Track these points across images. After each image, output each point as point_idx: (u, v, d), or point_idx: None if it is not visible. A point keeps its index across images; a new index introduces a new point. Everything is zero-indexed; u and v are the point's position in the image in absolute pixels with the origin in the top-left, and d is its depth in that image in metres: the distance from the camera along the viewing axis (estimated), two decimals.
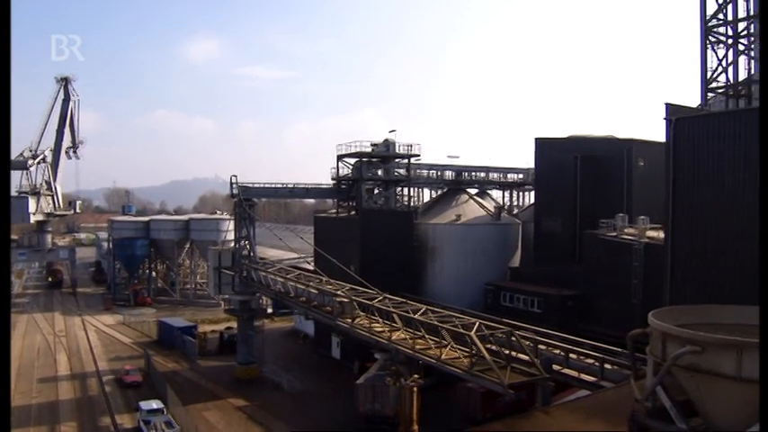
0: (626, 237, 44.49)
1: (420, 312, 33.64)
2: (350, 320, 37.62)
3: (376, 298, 37.53)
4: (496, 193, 74.72)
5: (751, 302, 22.86)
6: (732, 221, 26.41)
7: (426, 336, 31.99)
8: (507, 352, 30.05)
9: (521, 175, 71.30)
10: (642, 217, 44.35)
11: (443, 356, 30.14)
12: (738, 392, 17.46)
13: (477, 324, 30.14)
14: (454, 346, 30.44)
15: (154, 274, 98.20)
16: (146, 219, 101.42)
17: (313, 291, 43.31)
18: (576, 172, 52.91)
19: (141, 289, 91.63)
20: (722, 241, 26.55)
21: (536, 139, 57.20)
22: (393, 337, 33.66)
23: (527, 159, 78.84)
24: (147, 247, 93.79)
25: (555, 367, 30.45)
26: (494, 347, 29.93)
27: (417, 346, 31.94)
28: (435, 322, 31.87)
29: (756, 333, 21.00)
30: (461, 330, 30.14)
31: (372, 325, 36.14)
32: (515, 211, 72.92)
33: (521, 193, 76.29)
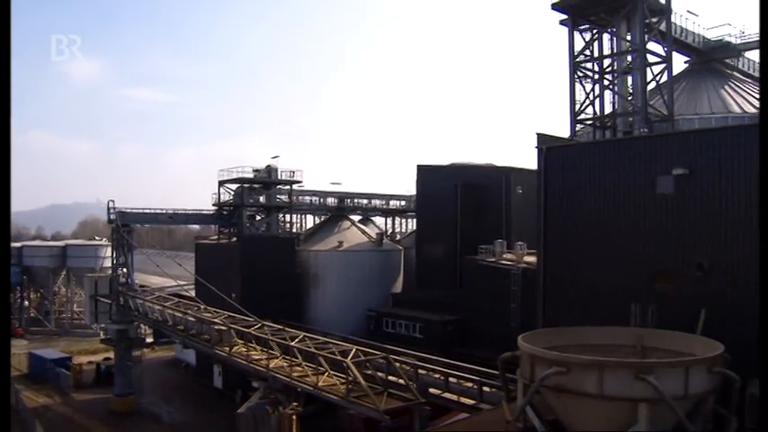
0: (504, 262, 45.53)
1: (298, 339, 33.31)
2: (227, 349, 36.82)
3: (254, 325, 36.90)
4: (379, 220, 75.29)
5: (615, 323, 23.84)
6: (596, 247, 27.43)
7: (304, 363, 31.68)
8: (384, 377, 30.05)
9: (403, 202, 72.14)
10: (520, 242, 45.50)
11: (320, 383, 29.89)
12: (601, 409, 18.04)
13: (354, 350, 30.13)
14: (332, 372, 30.27)
15: (26, 303, 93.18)
16: (17, 245, 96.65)
17: (191, 319, 42.18)
18: (457, 199, 53.88)
19: (11, 319, 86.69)
20: (589, 266, 27.48)
21: (418, 166, 58.08)
22: (271, 365, 33.08)
23: (409, 186, 79.82)
24: (19, 275, 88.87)
25: (435, 391, 30.63)
26: (371, 373, 29.87)
27: (295, 374, 31.55)
28: (313, 349, 31.63)
29: (620, 352, 21.87)
30: (338, 357, 30.00)
31: (250, 353, 35.41)
32: (398, 237, 73.59)
33: (403, 220, 77.17)
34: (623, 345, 22.29)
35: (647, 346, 21.99)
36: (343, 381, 29.40)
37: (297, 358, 32.21)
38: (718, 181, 24.53)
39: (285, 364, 32.67)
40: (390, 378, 30.52)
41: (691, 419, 18.39)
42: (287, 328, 36.37)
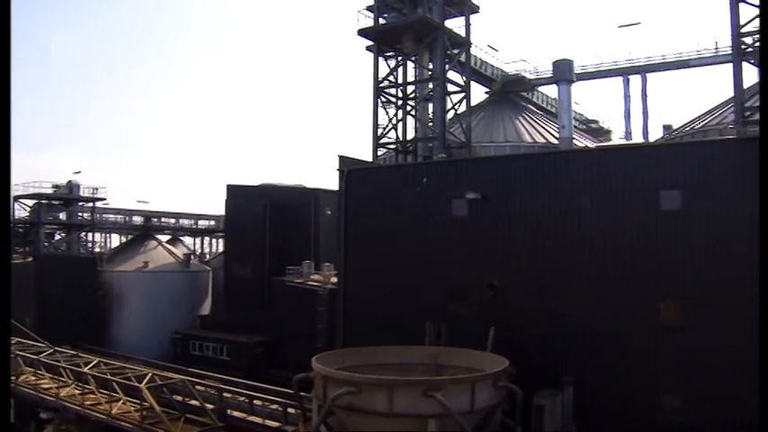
0: (312, 283, 45.73)
1: (92, 365, 31.61)
2: (14, 378, 34.34)
3: (45, 351, 34.69)
4: (189, 240, 73.52)
5: (413, 342, 24.63)
6: (395, 267, 28.29)
7: (98, 390, 30.13)
8: (183, 402, 29.22)
9: (212, 222, 70.88)
10: (327, 264, 45.89)
11: (114, 411, 28.51)
12: (392, 427, 18.52)
13: (150, 375, 29.05)
14: (127, 399, 29.02)
15: None
16: None
17: None
18: (266, 219, 53.54)
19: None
20: (388, 286, 28.26)
21: (227, 185, 57.20)
22: (61, 394, 31.16)
23: (218, 206, 78.78)
24: None
25: (240, 414, 30.13)
26: (169, 398, 28.95)
27: (87, 402, 29.88)
28: (107, 375, 30.16)
29: (416, 370, 22.56)
30: (133, 383, 28.82)
31: (39, 382, 33.20)
32: (207, 257, 72.16)
33: (213, 240, 75.84)
34: (419, 363, 23.08)
35: (440, 364, 22.89)
36: (138, 407, 28.27)
37: (90, 385, 30.56)
38: (508, 205, 26.08)
39: (77, 392, 30.87)
40: (194, 402, 29.73)
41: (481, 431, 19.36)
42: (81, 354, 34.47)
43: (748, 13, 26.59)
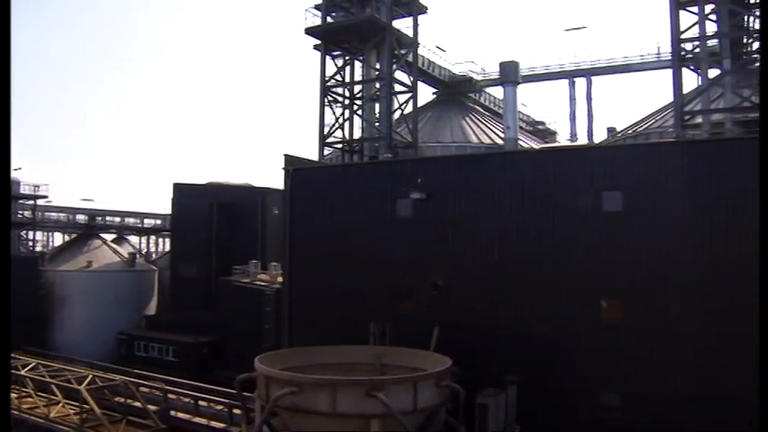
0: (259, 283, 45.45)
1: (30, 368, 30.88)
2: None
3: None
4: (135, 239, 72.44)
5: (358, 342, 24.63)
6: (340, 267, 28.26)
7: (36, 393, 29.44)
8: (123, 402, 28.75)
9: (159, 221, 69.92)
10: (274, 263, 45.64)
11: (53, 415, 27.89)
12: (334, 427, 18.49)
13: (90, 377, 28.49)
14: (67, 402, 28.41)
15: None
16: None
17: None
18: (213, 218, 53.00)
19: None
20: (333, 286, 28.22)
21: (174, 184, 56.44)
22: None
23: (166, 205, 77.81)
24: None
25: (184, 415, 29.78)
26: (110, 400, 28.45)
27: (24, 406, 29.20)
28: (46, 378, 29.50)
29: (360, 370, 22.55)
30: (73, 385, 28.24)
31: None
32: (153, 257, 71.18)
33: (159, 239, 74.85)
34: (363, 363, 23.07)
35: (385, 364, 22.90)
36: (78, 410, 27.70)
37: (27, 388, 29.84)
38: (452, 205, 26.23)
39: (14, 395, 30.09)
40: (137, 404, 29.26)
41: (425, 431, 19.41)
42: (19, 356, 33.62)
43: (688, 20, 27.25)
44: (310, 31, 33.34)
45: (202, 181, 58.72)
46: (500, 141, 38.95)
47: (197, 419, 29.80)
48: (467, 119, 43.57)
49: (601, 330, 23.77)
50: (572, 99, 52.37)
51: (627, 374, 23.10)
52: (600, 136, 47.80)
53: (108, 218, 64.28)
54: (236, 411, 28.85)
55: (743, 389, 20.96)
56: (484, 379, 23.19)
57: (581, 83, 52.31)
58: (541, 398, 23.70)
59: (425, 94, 49.31)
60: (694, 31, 27.24)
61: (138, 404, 28.93)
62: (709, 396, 21.80)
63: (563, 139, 53.90)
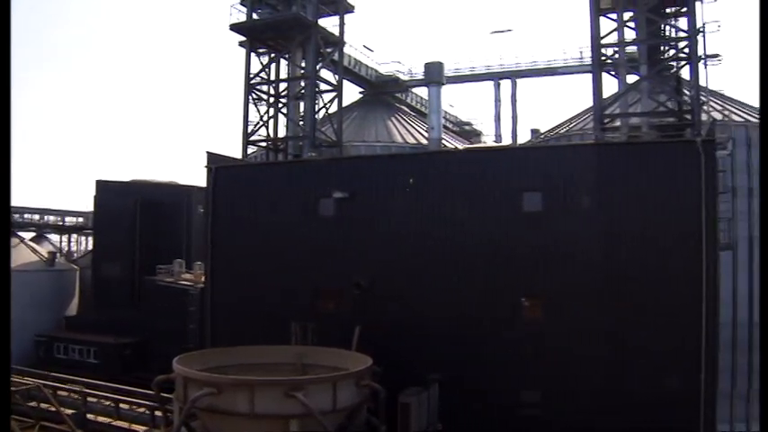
0: (183, 282, 44.88)
1: None
2: None
3: None
4: (55, 237, 70.41)
5: (281, 342, 24.53)
6: (263, 266, 28.08)
7: None
8: (37, 407, 27.92)
9: (81, 219, 68.10)
10: (199, 262, 45.06)
11: None
12: (253, 428, 18.39)
13: None
14: None
15: None
16: None
17: None
18: (137, 217, 52.04)
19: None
20: (255, 285, 28.04)
21: (97, 181, 55.20)
22: None
23: (87, 203, 75.94)
24: None
25: (104, 419, 29.10)
26: (23, 405, 27.59)
27: None
28: None
29: (282, 370, 22.45)
30: None
31: None
32: (75, 256, 69.35)
33: (81, 238, 72.94)
34: (286, 363, 22.98)
35: (307, 364, 22.86)
36: None
37: None
38: (375, 204, 26.33)
39: None
40: (53, 409, 28.43)
41: (345, 431, 19.45)
42: None
43: (608, 26, 28.00)
44: (235, 28, 32.91)
45: (127, 178, 57.65)
46: (425, 141, 39.27)
47: (117, 423, 29.17)
48: (392, 119, 43.83)
49: (521, 329, 24.22)
50: (497, 101, 53.18)
51: (547, 372, 23.60)
52: (524, 137, 48.71)
53: (27, 215, 62.25)
54: (159, 413, 28.40)
55: (658, 384, 21.81)
56: (407, 378, 23.38)
57: (506, 85, 53.19)
58: (464, 396, 24.00)
59: (352, 93, 49.45)
60: (614, 38, 27.99)
61: (53, 408, 28.16)
62: (627, 392, 22.49)
63: (489, 140, 54.62)
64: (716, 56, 35.21)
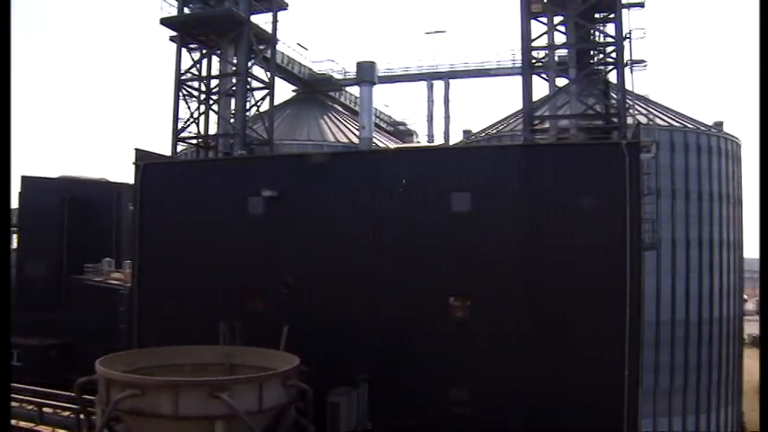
0: (112, 281, 44.01)
1: None
2: None
3: None
4: None
5: (208, 342, 24.24)
6: (190, 265, 27.77)
7: None
8: None
9: None
10: (129, 261, 44.22)
11: None
12: (178, 430, 18.12)
13: None
14: None
15: None
16: None
17: None
18: (64, 214, 50.78)
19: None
20: (183, 284, 27.70)
21: (22, 177, 53.69)
22: None
23: (13, 200, 73.58)
24: None
25: (26, 424, 28.28)
26: None
27: None
28: None
29: (209, 371, 22.19)
30: None
31: None
32: None
33: None
34: (213, 363, 22.71)
35: (235, 364, 22.63)
36: None
37: None
38: (305, 203, 26.28)
39: None
40: None
41: (273, 431, 19.31)
42: None
43: (538, 29, 28.41)
44: (166, 22, 32.32)
45: (54, 175, 56.21)
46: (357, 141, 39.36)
47: (40, 428, 28.44)
48: (325, 117, 43.78)
49: (449, 328, 24.45)
50: (430, 101, 53.36)
51: (475, 371, 23.86)
52: (457, 138, 49.15)
53: None
54: (83, 417, 27.75)
55: (582, 383, 22.27)
56: (336, 378, 23.40)
57: (439, 85, 53.46)
58: (393, 395, 24.11)
59: (285, 91, 49.16)
60: (544, 41, 28.44)
61: None
62: (550, 391, 22.90)
63: (422, 140, 54.93)
64: (641, 61, 36.07)
